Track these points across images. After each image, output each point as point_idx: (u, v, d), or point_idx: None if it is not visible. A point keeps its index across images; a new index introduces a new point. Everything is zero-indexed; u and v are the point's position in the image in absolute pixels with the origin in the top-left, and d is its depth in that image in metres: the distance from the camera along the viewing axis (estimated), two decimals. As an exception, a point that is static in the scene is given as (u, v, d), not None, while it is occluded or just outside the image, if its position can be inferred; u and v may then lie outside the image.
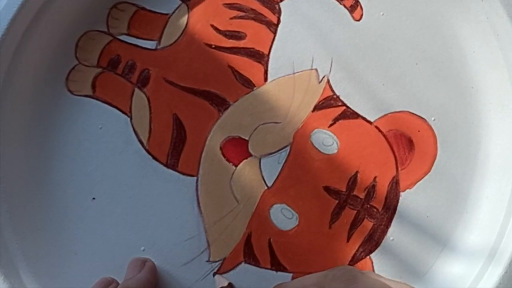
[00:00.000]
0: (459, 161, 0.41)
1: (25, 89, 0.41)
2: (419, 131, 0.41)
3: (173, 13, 0.43)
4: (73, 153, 0.42)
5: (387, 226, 0.41)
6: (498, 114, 0.40)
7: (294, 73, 0.42)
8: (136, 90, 0.42)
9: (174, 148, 0.42)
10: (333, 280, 0.31)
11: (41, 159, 0.42)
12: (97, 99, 0.43)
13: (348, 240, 0.41)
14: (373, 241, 0.41)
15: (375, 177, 0.41)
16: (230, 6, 0.42)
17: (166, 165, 0.42)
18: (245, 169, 0.41)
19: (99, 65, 0.43)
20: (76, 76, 0.43)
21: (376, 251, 0.41)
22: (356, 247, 0.41)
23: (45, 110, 0.42)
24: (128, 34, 0.43)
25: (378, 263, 0.41)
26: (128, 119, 0.42)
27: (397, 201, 0.40)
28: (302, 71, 0.42)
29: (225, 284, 0.39)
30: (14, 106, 0.41)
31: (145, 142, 0.42)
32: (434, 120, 0.41)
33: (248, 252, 0.41)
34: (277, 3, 0.42)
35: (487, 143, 0.41)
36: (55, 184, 0.42)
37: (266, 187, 0.41)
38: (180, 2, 0.43)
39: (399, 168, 0.41)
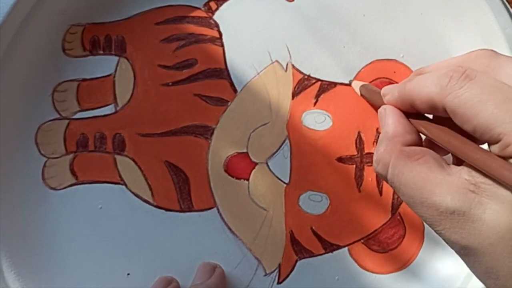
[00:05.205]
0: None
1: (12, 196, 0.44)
2: (394, 72, 0.46)
3: (115, 71, 0.46)
4: (84, 242, 0.45)
5: (408, 164, 0.46)
6: (452, 23, 0.46)
7: (258, 73, 0.46)
8: (117, 157, 0.46)
9: (182, 192, 0.45)
10: (477, 57, 0.34)
11: (51, 261, 0.45)
12: (82, 183, 0.45)
13: (381, 194, 0.45)
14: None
15: (377, 129, 0.46)
16: (168, 40, 0.46)
17: (182, 211, 0.45)
18: (258, 178, 0.45)
19: (69, 151, 0.45)
20: (51, 171, 0.45)
21: (410, 191, 0.46)
22: (391, 196, 0.46)
23: (38, 215, 0.45)
24: (82, 110, 0.46)
25: (416, 202, 0.46)
26: (123, 186, 0.45)
27: (406, 140, 0.46)
28: (265, 68, 0.46)
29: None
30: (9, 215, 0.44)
31: (151, 200, 0.45)
32: (403, 56, 0.46)
33: (298, 249, 0.45)
34: (210, 18, 0.47)
35: (456, 52, 0.46)
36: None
37: (285, 185, 0.45)
38: (117, 57, 0.46)
39: (394, 111, 0.46)
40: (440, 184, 0.30)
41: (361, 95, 0.44)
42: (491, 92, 0.29)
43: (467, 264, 0.31)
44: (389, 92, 0.36)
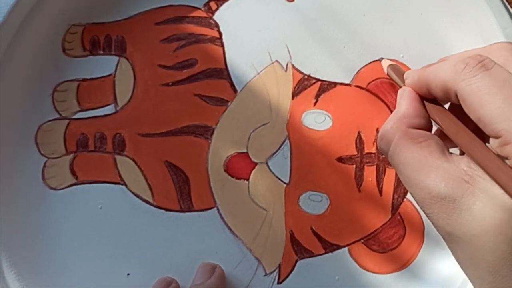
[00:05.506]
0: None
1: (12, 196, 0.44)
2: (395, 72, 0.47)
3: (115, 71, 0.46)
4: (84, 242, 0.45)
5: (408, 165, 0.46)
6: (452, 23, 0.46)
7: (258, 73, 0.46)
8: (117, 157, 0.46)
9: (182, 192, 0.45)
10: (499, 49, 0.34)
11: (51, 261, 0.45)
12: (82, 183, 0.46)
13: (381, 194, 0.46)
14: (402, 184, 0.46)
15: (377, 129, 0.46)
16: (168, 40, 0.47)
17: (182, 211, 0.45)
18: (258, 178, 0.45)
19: (69, 151, 0.46)
20: (51, 171, 0.45)
21: (410, 190, 0.46)
22: (391, 196, 0.46)
23: (38, 215, 0.45)
24: (82, 110, 0.46)
25: (416, 202, 0.46)
26: (123, 186, 0.45)
27: (406, 140, 0.46)
28: (265, 68, 0.46)
29: None
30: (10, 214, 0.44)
31: (151, 200, 0.45)
32: (403, 57, 0.47)
33: (298, 249, 0.45)
34: (210, 18, 0.47)
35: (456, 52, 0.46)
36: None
37: (285, 185, 0.45)
38: (117, 57, 0.47)
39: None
40: (437, 169, 0.31)
41: (387, 74, 0.44)
42: (503, 86, 0.29)
43: (450, 251, 0.32)
44: (410, 76, 0.37)
